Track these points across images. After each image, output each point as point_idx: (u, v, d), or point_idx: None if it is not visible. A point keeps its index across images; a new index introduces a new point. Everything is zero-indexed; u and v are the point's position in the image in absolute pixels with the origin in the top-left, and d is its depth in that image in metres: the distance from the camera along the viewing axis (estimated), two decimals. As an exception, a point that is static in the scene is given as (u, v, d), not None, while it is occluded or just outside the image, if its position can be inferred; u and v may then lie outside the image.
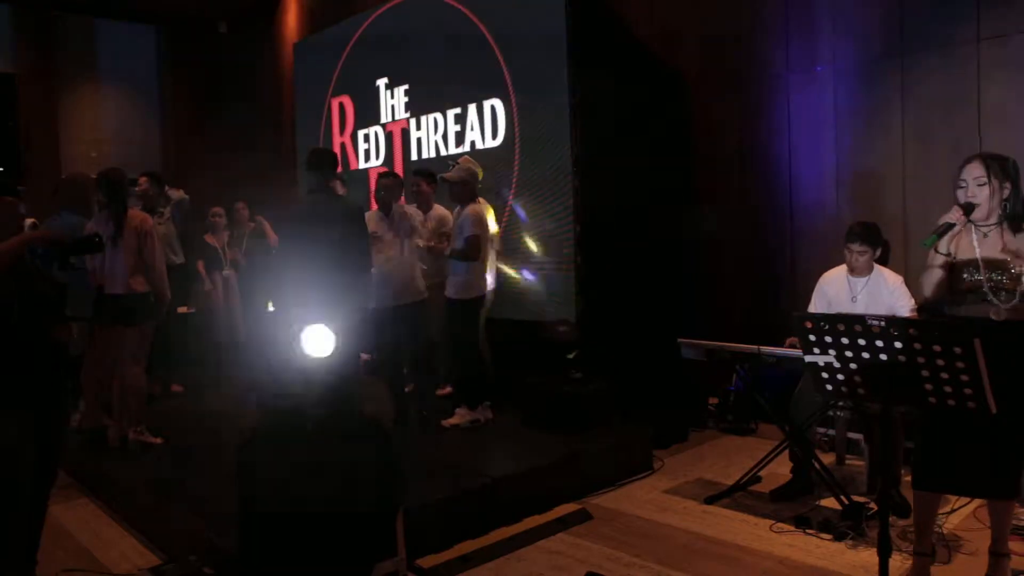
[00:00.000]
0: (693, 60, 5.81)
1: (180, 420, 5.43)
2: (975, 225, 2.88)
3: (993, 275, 2.80)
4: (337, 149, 7.56)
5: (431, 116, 6.46)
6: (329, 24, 8.20)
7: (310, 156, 4.74)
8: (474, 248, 4.70)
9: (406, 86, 6.75)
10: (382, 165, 7.00)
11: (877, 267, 3.96)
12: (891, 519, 3.21)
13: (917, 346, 2.20)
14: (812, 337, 2.40)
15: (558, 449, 4.32)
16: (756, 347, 3.93)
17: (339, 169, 7.14)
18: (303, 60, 8.41)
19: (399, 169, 6.63)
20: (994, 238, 2.86)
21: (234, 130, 10.86)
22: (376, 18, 7.08)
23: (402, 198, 5.30)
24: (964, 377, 2.17)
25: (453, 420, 4.84)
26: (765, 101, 5.51)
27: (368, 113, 7.19)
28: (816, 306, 4.09)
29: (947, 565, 3.23)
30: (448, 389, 5.50)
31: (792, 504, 3.95)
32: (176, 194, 6.33)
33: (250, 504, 2.92)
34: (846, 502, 3.73)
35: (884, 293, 3.89)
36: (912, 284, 3.87)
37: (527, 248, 5.60)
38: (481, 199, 5.04)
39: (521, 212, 5.65)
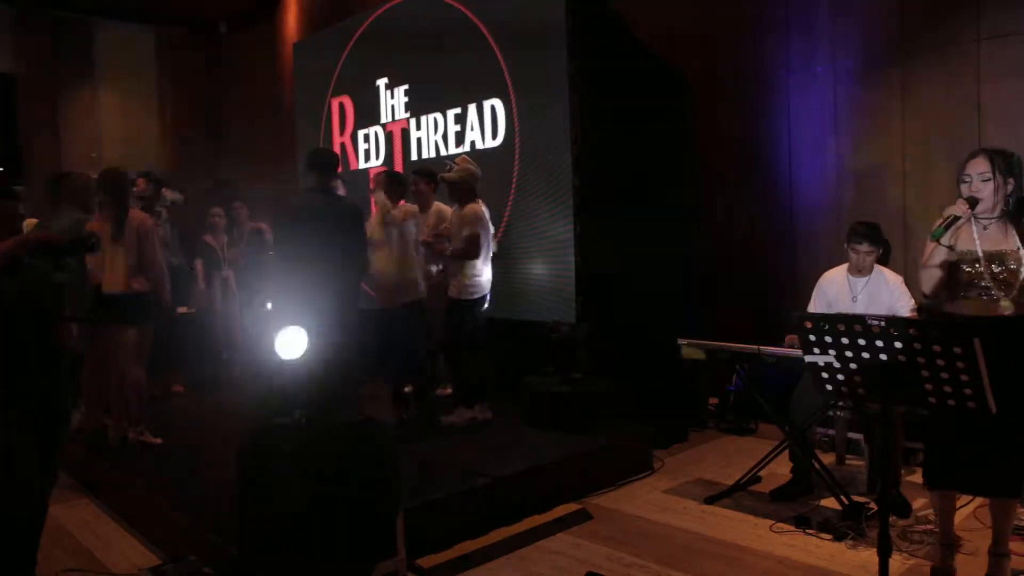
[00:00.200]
0: (693, 60, 5.81)
1: (180, 420, 5.44)
2: (976, 218, 2.89)
3: (994, 267, 2.81)
4: (337, 149, 7.55)
5: (431, 116, 6.46)
6: (329, 24, 8.20)
7: (310, 156, 4.74)
8: (473, 246, 4.70)
9: (406, 86, 6.75)
10: (382, 165, 7.00)
11: (877, 267, 3.96)
12: (891, 519, 3.21)
13: (917, 346, 2.20)
14: (812, 337, 2.40)
15: (558, 449, 4.32)
16: (756, 347, 3.93)
17: (340, 169, 7.16)
18: (303, 60, 8.40)
19: (399, 169, 6.62)
20: (994, 231, 2.88)
21: (233, 130, 10.88)
22: (376, 18, 7.08)
23: (401, 200, 5.29)
24: (964, 377, 2.17)
25: (451, 418, 4.84)
26: (765, 101, 5.51)
27: (368, 113, 7.19)
28: (816, 306, 4.09)
29: (947, 565, 3.23)
30: (448, 390, 5.50)
31: (792, 504, 3.95)
32: (171, 195, 6.28)
33: (250, 504, 2.92)
34: (846, 502, 3.73)
35: (884, 293, 3.89)
36: (911, 282, 3.88)
37: (527, 248, 5.60)
38: (480, 199, 5.03)
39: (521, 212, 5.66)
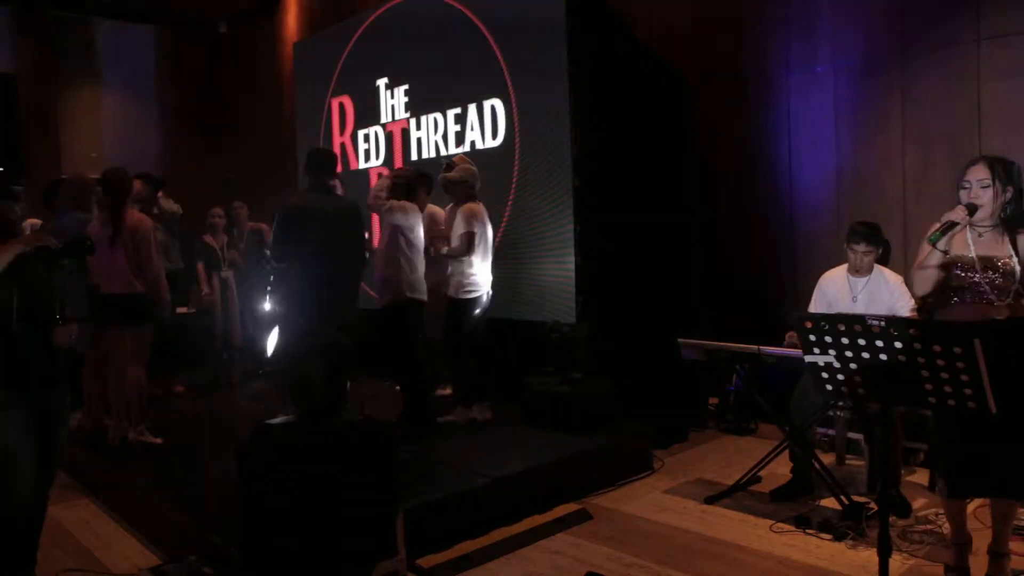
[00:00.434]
0: (693, 60, 5.81)
1: (180, 420, 5.44)
2: (971, 225, 2.90)
3: (988, 273, 2.82)
4: (337, 149, 7.55)
5: (431, 116, 6.45)
6: (329, 24, 8.20)
7: (309, 156, 4.75)
8: (468, 245, 4.70)
9: (406, 86, 6.75)
10: (382, 165, 7.00)
11: (877, 267, 3.97)
12: (891, 519, 3.21)
13: (917, 346, 2.20)
14: (812, 337, 2.40)
15: (558, 449, 4.32)
16: (756, 347, 3.93)
17: (340, 169, 7.16)
18: (303, 60, 8.40)
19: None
20: (988, 238, 2.89)
21: (233, 130, 10.87)
22: (376, 18, 7.08)
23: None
24: (964, 377, 2.17)
25: (449, 417, 4.85)
26: (765, 101, 5.51)
27: (368, 113, 7.19)
28: (816, 306, 4.09)
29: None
30: (448, 389, 5.50)
31: (792, 504, 3.95)
32: (168, 205, 6.24)
33: (250, 504, 2.92)
34: (846, 502, 3.73)
35: (884, 293, 3.89)
36: (910, 282, 3.88)
37: (527, 248, 5.60)
38: (478, 200, 5.02)
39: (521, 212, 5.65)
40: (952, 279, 2.90)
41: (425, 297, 4.86)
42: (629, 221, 5.27)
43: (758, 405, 4.29)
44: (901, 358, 2.24)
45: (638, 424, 4.78)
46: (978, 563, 3.07)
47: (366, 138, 7.28)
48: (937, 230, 2.83)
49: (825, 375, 2.44)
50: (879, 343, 2.26)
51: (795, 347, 3.62)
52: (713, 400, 5.60)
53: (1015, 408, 2.56)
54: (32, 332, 2.77)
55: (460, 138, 6.18)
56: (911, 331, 2.21)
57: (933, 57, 4.71)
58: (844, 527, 3.57)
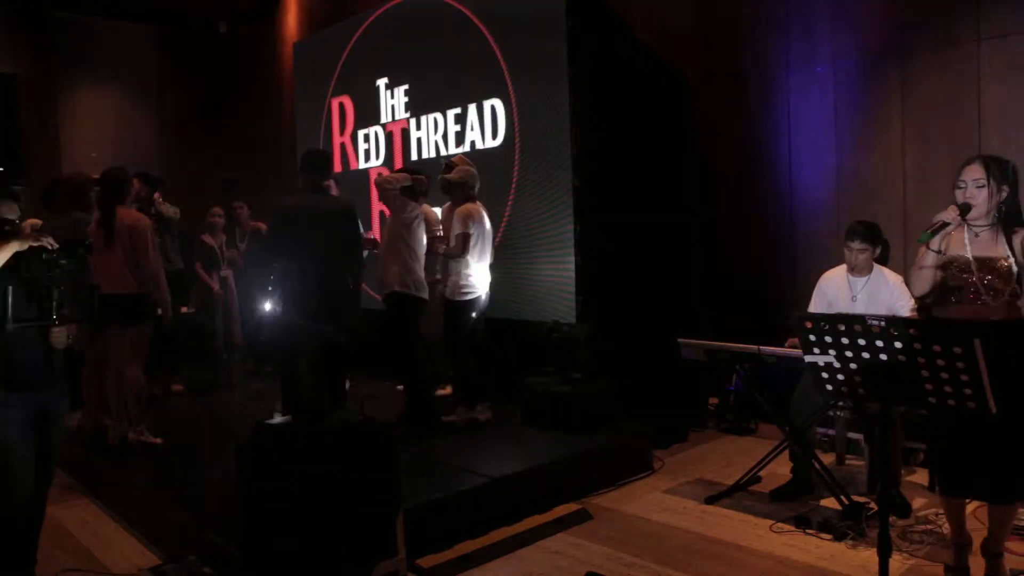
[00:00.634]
0: (693, 60, 5.81)
1: (180, 420, 5.44)
2: (968, 224, 2.90)
3: (984, 274, 2.82)
4: (337, 149, 7.56)
5: (431, 116, 6.46)
6: (329, 24, 8.20)
7: (303, 157, 4.76)
8: (463, 246, 4.70)
9: (406, 86, 6.75)
10: (382, 165, 7.00)
11: (877, 267, 3.96)
12: (891, 519, 3.21)
13: (917, 346, 2.20)
14: (812, 337, 2.40)
15: (558, 449, 4.33)
16: (756, 347, 3.93)
17: (338, 170, 7.17)
18: (303, 60, 8.40)
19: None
20: (985, 238, 2.89)
21: (234, 130, 10.87)
22: (376, 18, 7.08)
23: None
24: (964, 377, 2.17)
25: (451, 418, 4.85)
26: (765, 101, 5.51)
27: (368, 113, 7.19)
28: (816, 306, 4.09)
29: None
30: (448, 389, 5.50)
31: (792, 504, 3.95)
32: (167, 210, 6.21)
33: (250, 504, 2.92)
34: (846, 502, 3.73)
35: (884, 293, 3.89)
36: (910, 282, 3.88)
37: (527, 248, 5.60)
38: (477, 200, 5.02)
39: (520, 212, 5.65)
40: (950, 279, 2.90)
41: (427, 295, 4.88)
42: (629, 221, 5.27)
43: (758, 405, 4.29)
44: (901, 358, 2.24)
45: (638, 424, 4.78)
46: (978, 563, 3.07)
47: (366, 138, 7.28)
48: (927, 230, 2.84)
49: (825, 375, 2.44)
50: (879, 343, 2.26)
51: (795, 349, 3.63)
52: (713, 400, 5.60)
53: (1012, 410, 2.55)
54: (30, 332, 2.77)
55: (460, 138, 6.18)
56: (911, 331, 2.21)
57: (933, 57, 4.71)
58: (844, 527, 3.57)
